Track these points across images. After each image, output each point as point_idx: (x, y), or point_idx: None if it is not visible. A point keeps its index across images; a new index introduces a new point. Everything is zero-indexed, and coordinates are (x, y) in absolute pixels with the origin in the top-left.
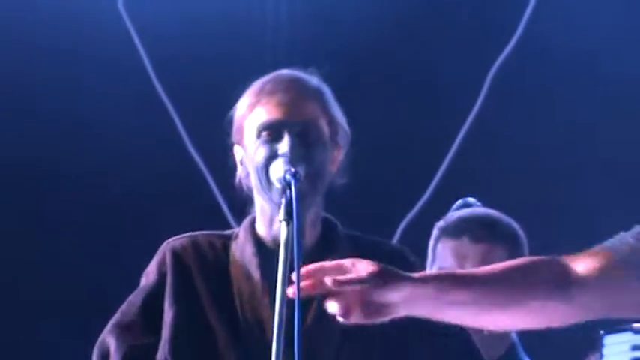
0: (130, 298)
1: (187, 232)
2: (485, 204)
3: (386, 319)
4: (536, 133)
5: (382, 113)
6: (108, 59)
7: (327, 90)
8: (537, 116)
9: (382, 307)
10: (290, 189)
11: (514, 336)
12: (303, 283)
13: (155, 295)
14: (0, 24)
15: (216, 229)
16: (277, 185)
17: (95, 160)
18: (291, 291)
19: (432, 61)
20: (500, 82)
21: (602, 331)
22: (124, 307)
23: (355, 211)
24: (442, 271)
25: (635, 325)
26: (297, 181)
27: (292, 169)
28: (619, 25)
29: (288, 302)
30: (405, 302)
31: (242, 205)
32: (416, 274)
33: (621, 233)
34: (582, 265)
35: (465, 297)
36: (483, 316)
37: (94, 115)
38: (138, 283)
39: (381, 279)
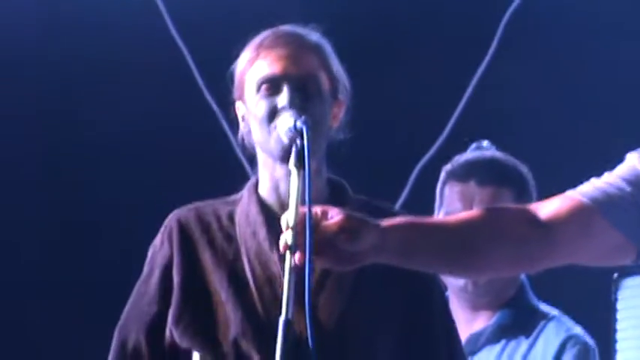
0: (141, 285)
1: (205, 182)
2: (499, 147)
3: (355, 266)
4: (549, 78)
5: (396, 59)
6: (134, 26)
7: (327, 45)
8: (550, 61)
9: (351, 255)
10: (301, 137)
11: (524, 278)
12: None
13: (169, 270)
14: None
15: (232, 176)
16: (285, 140)
17: (120, 124)
18: (297, 257)
19: (445, 6)
20: (513, 26)
21: (616, 274)
22: (141, 292)
23: (371, 155)
24: (410, 220)
25: None
26: (308, 127)
27: (304, 117)
28: None
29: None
30: (371, 250)
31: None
32: (385, 222)
33: (592, 179)
34: (551, 207)
35: (431, 244)
36: (451, 263)
37: (119, 83)
38: (154, 232)
39: (345, 229)
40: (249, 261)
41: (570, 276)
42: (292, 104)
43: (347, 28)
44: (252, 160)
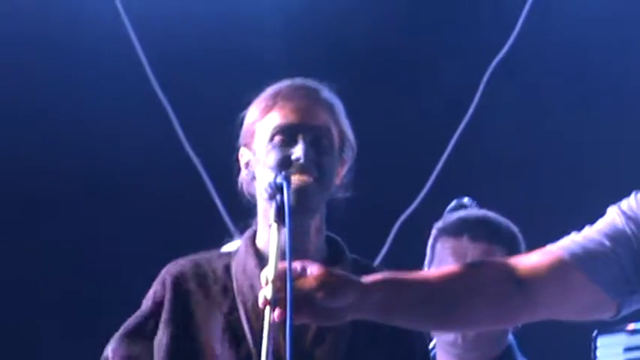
0: (122, 332)
1: (185, 234)
2: (480, 204)
3: (334, 322)
4: (530, 133)
5: (378, 112)
6: (105, 57)
7: (339, 103)
8: (532, 117)
9: (329, 311)
10: (281, 192)
11: (510, 337)
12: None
13: (158, 322)
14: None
15: (213, 229)
16: (264, 195)
17: (91, 160)
18: (276, 314)
19: (428, 61)
20: (495, 82)
21: (595, 332)
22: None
23: (351, 210)
24: (390, 276)
25: (629, 326)
26: (289, 184)
27: (283, 173)
28: (613, 28)
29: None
30: (351, 307)
31: (239, 205)
32: (365, 279)
33: (572, 233)
34: (530, 262)
35: (411, 301)
36: (431, 319)
37: (90, 115)
38: (135, 285)
39: (324, 285)
40: (246, 313)
41: (552, 333)
42: (307, 157)
43: (332, 79)
44: (234, 210)
